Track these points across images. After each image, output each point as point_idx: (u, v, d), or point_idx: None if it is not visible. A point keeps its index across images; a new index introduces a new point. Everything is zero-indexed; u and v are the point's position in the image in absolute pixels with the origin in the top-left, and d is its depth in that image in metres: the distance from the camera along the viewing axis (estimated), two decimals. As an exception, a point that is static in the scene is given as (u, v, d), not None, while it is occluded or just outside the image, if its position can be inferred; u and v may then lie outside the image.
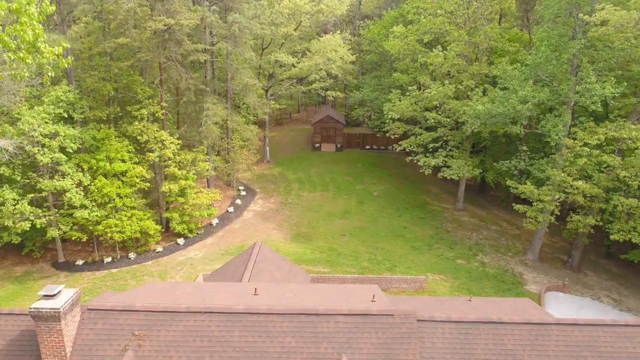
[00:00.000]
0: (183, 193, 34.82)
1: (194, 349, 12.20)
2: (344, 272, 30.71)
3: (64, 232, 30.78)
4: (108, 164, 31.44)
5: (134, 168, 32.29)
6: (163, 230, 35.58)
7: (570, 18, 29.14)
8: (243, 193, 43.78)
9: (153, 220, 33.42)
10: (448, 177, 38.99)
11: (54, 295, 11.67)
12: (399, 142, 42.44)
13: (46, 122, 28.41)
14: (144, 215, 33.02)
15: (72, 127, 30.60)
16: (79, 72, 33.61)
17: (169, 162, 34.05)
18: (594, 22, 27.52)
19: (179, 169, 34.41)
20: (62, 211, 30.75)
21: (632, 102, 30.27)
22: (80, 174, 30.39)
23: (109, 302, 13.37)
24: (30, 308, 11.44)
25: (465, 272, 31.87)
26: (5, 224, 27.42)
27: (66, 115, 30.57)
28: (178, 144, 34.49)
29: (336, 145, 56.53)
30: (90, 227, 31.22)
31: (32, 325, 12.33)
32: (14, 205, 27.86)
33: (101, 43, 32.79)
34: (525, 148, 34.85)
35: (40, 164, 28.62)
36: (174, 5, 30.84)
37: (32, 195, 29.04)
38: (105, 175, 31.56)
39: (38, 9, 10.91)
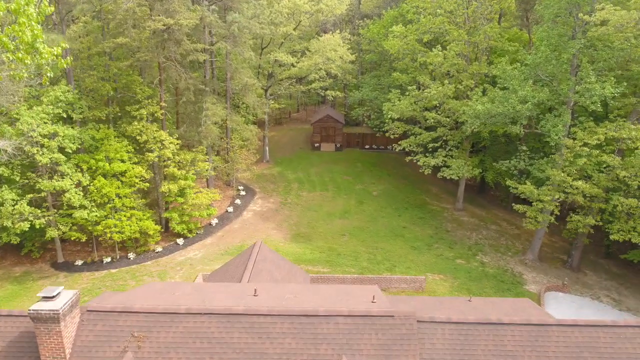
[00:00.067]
0: (182, 193, 34.78)
1: (193, 351, 12.17)
2: (344, 272, 30.70)
3: (63, 233, 30.73)
4: (107, 164, 31.39)
5: (133, 168, 32.24)
6: (162, 230, 35.55)
7: (570, 18, 29.12)
8: (242, 193, 43.75)
9: (152, 221, 33.38)
10: (448, 177, 38.99)
11: (53, 296, 11.64)
12: (399, 142, 42.44)
13: (45, 123, 28.34)
14: (144, 215, 32.98)
15: (71, 127, 30.54)
16: (78, 72, 33.54)
17: (169, 162, 34.01)
18: (593, 22, 27.50)
19: (178, 169, 34.37)
20: (61, 211, 30.70)
21: (631, 102, 30.26)
22: (80, 174, 30.34)
23: (108, 303, 13.34)
24: (30, 310, 11.41)
25: (465, 272, 31.87)
26: (4, 225, 27.36)
27: (65, 116, 30.50)
28: (177, 144, 34.44)
29: (336, 145, 56.51)
30: (90, 228, 31.17)
31: (32, 326, 12.30)
32: (13, 205, 27.80)
33: (100, 43, 32.73)
34: (524, 148, 34.85)
35: (40, 164, 28.57)
36: (173, 5, 30.78)
37: (31, 195, 28.99)
38: (104, 176, 31.51)
39: (37, 10, 10.88)
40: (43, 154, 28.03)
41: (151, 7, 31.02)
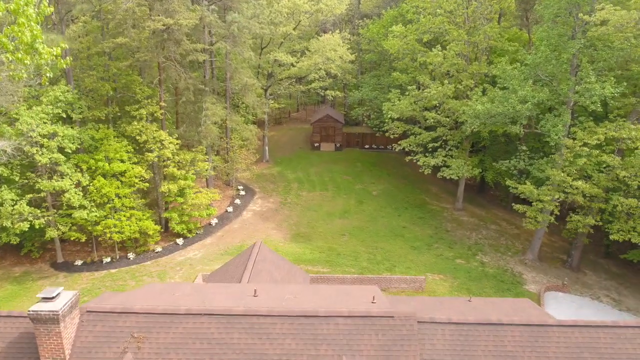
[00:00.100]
0: (182, 193, 34.75)
1: (193, 352, 12.16)
2: (344, 272, 30.69)
3: (63, 233, 30.70)
4: (107, 164, 31.36)
5: (132, 168, 32.21)
6: (162, 230, 35.53)
7: (570, 18, 29.10)
8: (242, 193, 43.73)
9: (152, 221, 33.36)
10: (447, 177, 38.98)
11: (52, 297, 11.62)
12: (399, 142, 42.42)
13: (45, 123, 28.31)
14: (143, 215, 32.96)
15: (71, 127, 30.50)
16: (78, 72, 33.50)
17: (168, 162, 33.98)
18: (593, 22, 27.49)
19: (178, 169, 34.35)
20: (60, 211, 30.67)
21: (631, 102, 30.26)
22: (79, 174, 30.31)
23: (108, 304, 13.32)
24: (29, 311, 11.40)
25: (465, 271, 31.87)
26: (4, 225, 27.33)
27: (65, 116, 30.46)
28: (177, 143, 34.42)
29: (335, 145, 56.49)
30: (89, 228, 31.14)
31: (31, 327, 12.29)
32: (13, 205, 27.77)
33: (100, 43, 32.69)
34: (524, 148, 34.84)
35: (39, 164, 28.54)
36: (172, 5, 30.74)
37: (31, 195, 28.95)
38: (104, 176, 31.48)
39: (36, 10, 10.86)
40: (42, 154, 27.99)
41: (151, 7, 30.99)
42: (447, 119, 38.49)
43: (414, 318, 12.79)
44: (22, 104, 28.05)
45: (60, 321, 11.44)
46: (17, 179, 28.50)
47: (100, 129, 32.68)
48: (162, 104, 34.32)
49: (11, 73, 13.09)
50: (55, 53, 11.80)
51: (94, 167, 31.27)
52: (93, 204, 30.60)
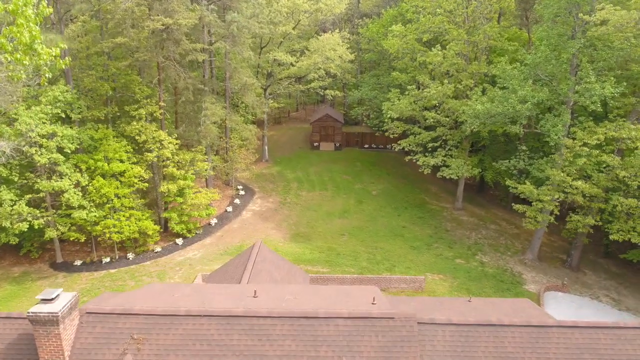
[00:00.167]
0: (181, 193, 34.71)
1: (193, 353, 12.14)
2: (343, 272, 30.68)
3: (62, 233, 30.65)
4: (106, 164, 31.31)
5: (132, 168, 32.16)
6: (161, 230, 35.50)
7: (570, 17, 29.07)
8: (242, 192, 43.69)
9: (151, 221, 33.32)
10: (447, 177, 38.97)
11: (52, 299, 11.59)
12: (398, 142, 42.37)
13: (44, 123, 28.25)
14: (143, 215, 32.92)
15: (70, 127, 30.44)
16: (77, 72, 33.43)
17: (168, 162, 33.94)
18: (593, 22, 27.45)
19: (177, 169, 34.30)
20: (60, 212, 30.61)
21: (631, 102, 30.24)
22: (78, 175, 30.26)
23: (107, 305, 13.28)
24: (29, 312, 11.36)
25: (465, 271, 31.86)
26: (3, 225, 27.28)
27: (64, 116, 30.39)
28: (176, 143, 34.37)
29: (335, 144, 56.45)
30: (89, 228, 31.10)
31: (30, 329, 12.26)
32: (12, 206, 27.73)
33: (99, 42, 32.63)
34: (524, 147, 34.82)
35: (38, 164, 28.49)
36: (172, 4, 30.68)
37: (30, 195, 28.90)
38: (103, 176, 31.44)
39: (35, 11, 10.81)
40: (42, 154, 27.94)
41: (150, 7, 30.92)
42: (447, 119, 38.47)
43: (414, 319, 12.78)
44: (21, 104, 27.98)
45: (59, 323, 11.41)
46: (16, 179, 28.46)
47: (100, 129, 32.63)
48: (162, 103, 34.26)
49: (10, 74, 13.05)
50: (54, 53, 11.75)
51: (93, 167, 31.22)
52: (92, 204, 30.55)
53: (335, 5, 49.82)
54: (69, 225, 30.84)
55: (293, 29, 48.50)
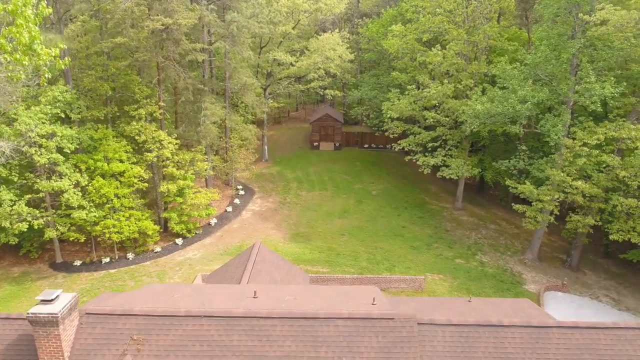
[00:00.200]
0: (181, 193, 34.69)
1: (193, 354, 12.12)
2: (343, 272, 30.66)
3: (62, 233, 30.62)
4: (106, 164, 31.29)
5: (131, 168, 32.14)
6: (161, 230, 35.48)
7: (570, 17, 29.05)
8: (241, 192, 43.68)
9: (151, 221, 33.30)
10: (447, 177, 38.95)
11: (51, 300, 11.57)
12: (398, 142, 42.34)
13: (43, 123, 28.22)
14: (142, 215, 32.90)
15: (70, 127, 30.41)
16: (76, 72, 33.39)
17: (167, 162, 33.92)
18: (593, 22, 27.44)
19: (177, 169, 34.28)
20: (59, 212, 30.58)
21: (631, 102, 30.23)
22: (78, 175, 30.23)
23: (107, 306, 13.26)
24: (28, 313, 11.35)
25: (464, 271, 31.85)
26: (3, 225, 27.26)
27: (63, 116, 30.36)
28: (176, 143, 34.35)
29: (335, 144, 56.43)
30: (88, 228, 31.08)
31: (30, 329, 12.23)
32: (11, 206, 27.71)
33: (98, 42, 32.59)
34: (524, 147, 34.81)
35: (38, 164, 28.46)
36: (171, 4, 30.65)
37: (30, 196, 28.88)
38: (103, 176, 31.41)
39: (34, 11, 10.78)
40: (41, 154, 27.91)
41: (150, 7, 30.89)
42: (447, 119, 38.45)
43: (414, 320, 12.76)
44: (20, 104, 27.95)
45: (59, 324, 11.39)
46: (15, 179, 28.43)
47: (99, 129, 32.59)
48: (161, 103, 34.24)
49: (9, 74, 13.03)
50: (53, 54, 11.72)
51: (92, 167, 31.20)
52: (92, 204, 30.53)
53: (335, 5, 49.79)
54: (69, 225, 30.82)
55: (293, 28, 48.48)
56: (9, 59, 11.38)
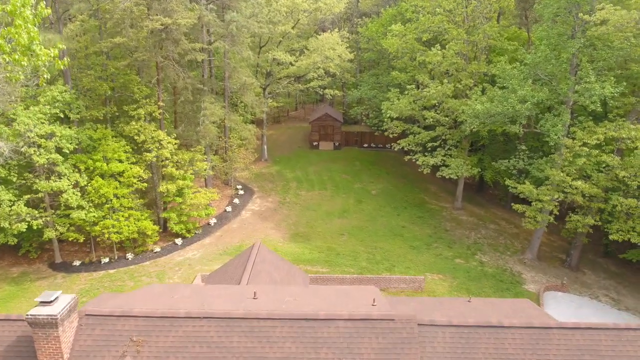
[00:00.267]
0: (181, 193, 34.64)
1: (193, 355, 12.09)
2: (343, 272, 30.64)
3: (61, 233, 30.57)
4: (105, 164, 31.23)
5: (131, 168, 32.08)
6: (161, 230, 35.43)
7: (570, 17, 29.03)
8: (241, 192, 43.64)
9: (150, 221, 33.25)
10: (446, 176, 38.92)
11: (51, 301, 11.53)
12: (398, 142, 42.31)
13: (42, 123, 28.15)
14: (142, 215, 32.84)
15: (69, 127, 30.35)
16: (75, 72, 33.31)
17: (167, 162, 33.86)
18: (593, 22, 27.41)
19: (176, 169, 34.23)
20: (58, 212, 30.53)
21: (631, 102, 30.23)
22: (77, 175, 30.17)
23: (106, 307, 13.23)
24: (27, 315, 11.31)
25: (464, 271, 31.85)
26: (2, 225, 27.20)
27: (62, 115, 30.30)
28: (175, 143, 34.29)
29: (334, 144, 56.39)
30: (88, 228, 31.03)
31: (29, 331, 12.20)
32: (10, 206, 27.65)
33: (97, 42, 32.52)
34: (523, 147, 34.80)
35: (37, 164, 28.39)
36: (170, 4, 30.58)
37: (29, 196, 28.82)
38: (102, 176, 31.36)
39: (33, 12, 10.74)
40: (40, 154, 27.84)
41: (149, 7, 30.82)
42: (446, 119, 38.43)
43: (414, 321, 12.75)
44: (19, 104, 27.87)
45: (58, 325, 11.37)
46: (14, 179, 28.36)
47: (98, 129, 32.53)
48: (161, 103, 34.18)
49: (8, 75, 12.97)
50: (52, 54, 11.68)
51: (92, 167, 31.14)
52: (91, 204, 30.47)
53: (335, 5, 49.73)
54: (68, 225, 30.77)
55: (292, 28, 48.42)
56: (7, 60, 11.34)
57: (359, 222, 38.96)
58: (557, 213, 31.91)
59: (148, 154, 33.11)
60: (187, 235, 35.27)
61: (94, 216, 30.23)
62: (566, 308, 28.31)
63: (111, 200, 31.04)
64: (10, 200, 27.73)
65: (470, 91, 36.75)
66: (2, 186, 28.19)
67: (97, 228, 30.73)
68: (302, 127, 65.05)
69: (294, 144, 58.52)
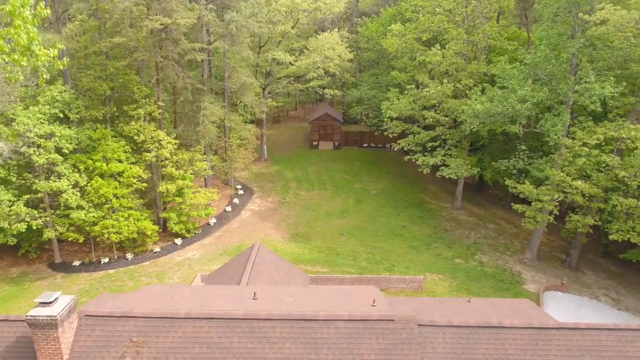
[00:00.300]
0: (180, 193, 34.62)
1: (192, 356, 12.08)
2: (343, 272, 30.63)
3: (61, 233, 30.55)
4: (104, 164, 31.20)
5: (130, 168, 32.06)
6: (160, 230, 35.41)
7: (570, 17, 29.02)
8: (241, 192, 43.62)
9: (150, 221, 33.23)
10: (446, 176, 38.90)
11: (50, 302, 11.52)
12: (397, 141, 42.29)
13: (42, 123, 28.11)
14: (141, 215, 32.82)
15: (68, 127, 30.32)
16: (75, 71, 33.27)
17: (166, 162, 33.84)
18: (593, 22, 27.40)
19: (176, 169, 34.20)
20: (58, 212, 30.51)
21: (630, 102, 30.22)
22: (77, 175, 30.14)
23: (106, 308, 13.21)
24: (27, 315, 11.31)
25: (464, 271, 31.84)
26: (1, 226, 27.17)
27: (62, 115, 30.27)
28: (175, 143, 34.27)
29: (334, 143, 56.38)
30: (87, 228, 31.01)
31: (29, 332, 12.18)
32: (10, 206, 27.62)
33: (97, 42, 32.47)
34: (523, 147, 34.78)
35: (36, 164, 28.37)
36: (170, 4, 30.55)
37: (28, 196, 28.80)
38: (101, 176, 31.34)
39: (32, 12, 10.70)
40: (40, 154, 27.81)
41: (148, 6, 30.78)
42: (446, 118, 38.41)
43: (414, 321, 12.74)
44: (18, 104, 27.84)
45: (58, 326, 11.36)
46: (14, 179, 28.32)
47: (98, 128, 32.50)
48: (160, 103, 34.15)
49: (7, 75, 12.94)
50: (52, 55, 11.63)
51: (91, 168, 31.11)
52: (91, 204, 30.44)
53: (334, 4, 49.70)
54: (68, 225, 30.75)
55: (292, 28, 48.38)
56: (7, 60, 11.30)
57: (359, 222, 38.95)
58: (557, 213, 31.90)
59: (148, 154, 33.08)
60: (187, 235, 35.25)
61: (93, 216, 30.21)
62: (566, 308, 28.31)
63: (111, 200, 31.02)
64: (9, 201, 27.70)
65: (470, 91, 36.74)
66: (2, 186, 28.16)
67: (96, 228, 30.71)
68: (301, 127, 65.03)
69: (294, 143, 58.50)
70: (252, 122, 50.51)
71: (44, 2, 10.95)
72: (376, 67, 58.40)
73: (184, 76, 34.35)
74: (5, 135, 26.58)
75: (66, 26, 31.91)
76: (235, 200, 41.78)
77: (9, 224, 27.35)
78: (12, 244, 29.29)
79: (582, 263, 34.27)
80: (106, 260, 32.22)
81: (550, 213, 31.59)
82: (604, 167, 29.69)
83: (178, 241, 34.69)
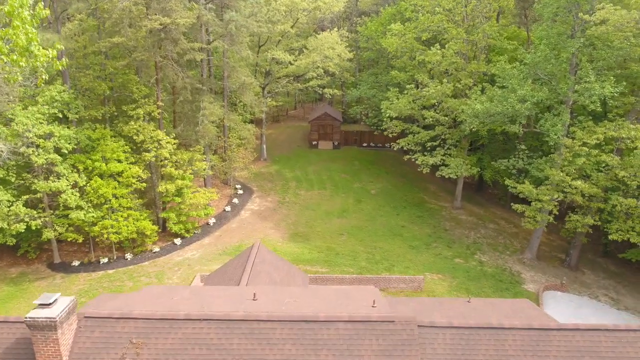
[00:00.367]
0: (180, 193, 34.58)
1: (192, 357, 12.05)
2: (342, 272, 30.61)
3: (60, 233, 30.49)
4: (104, 164, 31.15)
5: (130, 168, 32.00)
6: (160, 230, 35.36)
7: (569, 16, 29.00)
8: (240, 192, 43.58)
9: (149, 221, 33.18)
10: (446, 176, 38.89)
11: (50, 304, 11.47)
12: (397, 141, 42.27)
13: (41, 123, 28.05)
14: (141, 215, 32.77)
15: (67, 127, 30.26)
16: (74, 71, 33.19)
17: (166, 161, 33.78)
18: (593, 21, 27.38)
19: (175, 169, 34.15)
20: (57, 212, 30.45)
21: (630, 101, 30.21)
22: (76, 175, 30.09)
23: (105, 309, 13.18)
24: (26, 317, 11.26)
25: (464, 271, 31.84)
26: (0, 226, 27.10)
27: (61, 115, 30.22)
28: (174, 143, 34.21)
29: (333, 143, 56.35)
30: (86, 228, 30.96)
31: (28, 333, 12.14)
32: (9, 206, 27.56)
33: (96, 41, 32.38)
34: (523, 147, 34.76)
35: (35, 164, 28.31)
36: (169, 3, 30.48)
37: (27, 196, 28.74)
38: (101, 176, 31.28)
39: (31, 12, 10.66)
40: (39, 154, 27.76)
41: (147, 6, 30.71)
42: (446, 118, 38.39)
43: (414, 322, 12.72)
44: (17, 104, 27.78)
45: (57, 328, 11.31)
46: (13, 179, 28.26)
47: (97, 128, 32.44)
48: (160, 103, 34.09)
49: (6, 75, 12.89)
50: (50, 55, 11.60)
51: (90, 168, 31.06)
52: (90, 204, 30.39)
53: (334, 4, 49.65)
54: (67, 225, 30.69)
55: (291, 27, 48.33)
56: (5, 60, 11.27)
57: (359, 221, 38.93)
58: (557, 213, 31.90)
59: (147, 153, 33.03)
60: (186, 235, 35.22)
61: (92, 216, 30.16)
62: (565, 308, 28.32)
63: (110, 200, 30.97)
64: (8, 201, 27.64)
65: (469, 91, 36.72)
66: (1, 186, 28.10)
67: (96, 228, 30.66)
68: (301, 127, 64.99)
69: (293, 143, 58.46)
70: (251, 121, 50.46)
71: (42, 2, 10.91)
72: (376, 66, 58.38)
73: (184, 76, 34.30)
74: (5, 136, 26.52)
75: (65, 26, 31.83)
76: (235, 200, 41.75)
77: (8, 224, 27.30)
78: (11, 244, 29.22)
79: (582, 263, 34.29)
80: (105, 260, 32.18)
81: (550, 213, 31.59)
82: (603, 167, 29.69)
83: (177, 241, 34.66)
